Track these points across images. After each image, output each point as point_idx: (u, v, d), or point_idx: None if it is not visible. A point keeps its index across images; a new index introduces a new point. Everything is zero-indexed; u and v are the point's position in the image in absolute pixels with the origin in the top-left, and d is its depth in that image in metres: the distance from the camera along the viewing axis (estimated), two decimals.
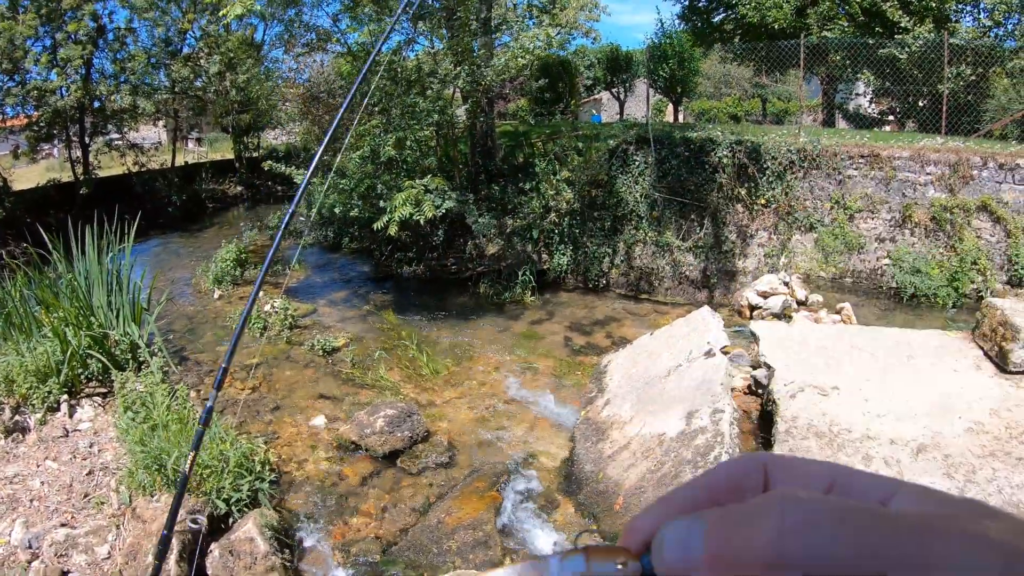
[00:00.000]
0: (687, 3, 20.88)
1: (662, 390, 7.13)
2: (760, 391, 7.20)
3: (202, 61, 21.64)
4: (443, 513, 6.05)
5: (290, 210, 4.05)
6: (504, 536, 5.78)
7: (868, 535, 0.33)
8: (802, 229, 11.75)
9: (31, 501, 5.78)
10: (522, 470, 6.72)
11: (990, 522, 0.34)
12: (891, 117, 19.33)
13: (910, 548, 0.32)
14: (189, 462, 3.62)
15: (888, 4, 15.73)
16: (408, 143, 11.74)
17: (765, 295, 10.58)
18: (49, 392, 7.15)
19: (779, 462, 0.42)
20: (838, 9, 16.97)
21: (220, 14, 12.14)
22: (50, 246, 8.94)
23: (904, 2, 15.79)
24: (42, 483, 6.03)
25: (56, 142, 20.95)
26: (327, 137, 4.07)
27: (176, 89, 21.62)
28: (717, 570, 0.36)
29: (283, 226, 4.02)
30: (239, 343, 3.79)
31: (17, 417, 6.99)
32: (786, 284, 10.74)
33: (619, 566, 0.40)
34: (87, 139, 20.85)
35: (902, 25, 15.53)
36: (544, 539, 5.75)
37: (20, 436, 6.77)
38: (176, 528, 5.02)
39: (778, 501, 0.36)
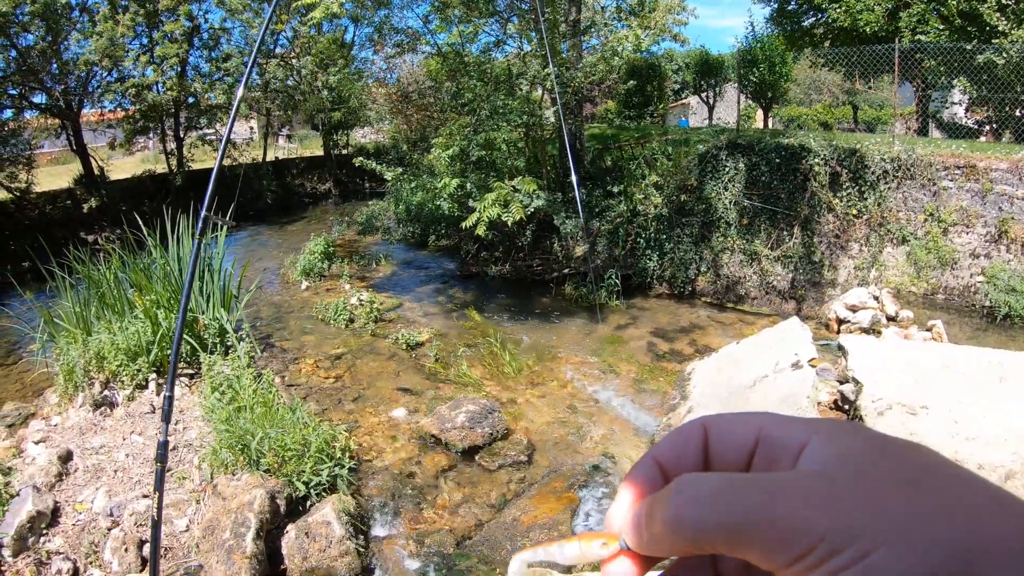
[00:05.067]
0: (777, 6, 20.43)
1: (746, 400, 6.94)
2: (846, 407, 6.92)
3: (294, 61, 22.16)
4: (519, 511, 5.99)
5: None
6: None
7: (735, 503, 0.40)
8: (894, 242, 11.32)
9: (115, 472, 5.94)
10: (601, 473, 6.62)
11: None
12: (987, 127, 18.51)
13: (762, 513, 0.39)
14: (156, 505, 3.47)
15: (985, 6, 15.01)
16: (497, 143, 11.74)
17: (854, 309, 10.23)
18: (138, 370, 7.36)
19: (715, 422, 0.50)
20: (931, 12, 16.31)
21: (306, 18, 12.40)
22: (144, 232, 9.20)
23: (1002, 5, 15.04)
24: (127, 455, 6.19)
25: (151, 135, 21.73)
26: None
27: (268, 87, 22.17)
28: (648, 543, 0.45)
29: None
30: (176, 368, 3.70)
31: (106, 392, 7.21)
32: (876, 298, 10.36)
33: (602, 545, 0.50)
34: (181, 133, 21.59)
35: (1000, 29, 14.80)
36: None
37: (108, 410, 6.98)
38: (255, 508, 5.10)
39: (674, 487, 0.43)
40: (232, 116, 4.90)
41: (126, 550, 4.95)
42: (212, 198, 3.97)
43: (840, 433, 0.43)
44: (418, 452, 7.03)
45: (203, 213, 3.96)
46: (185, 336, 7.88)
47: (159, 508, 3.37)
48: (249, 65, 4.54)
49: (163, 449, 3.44)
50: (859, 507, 0.37)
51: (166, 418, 3.55)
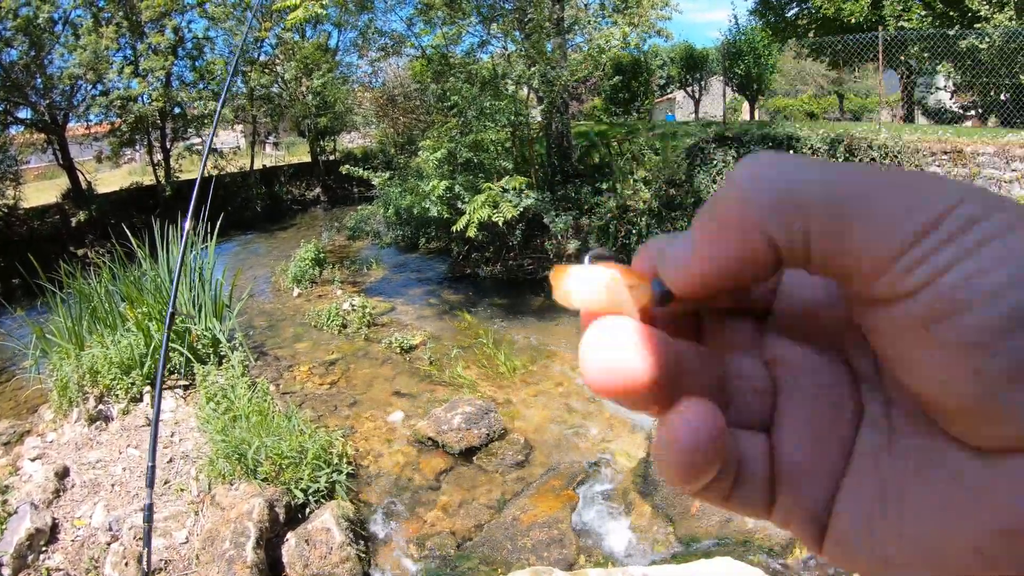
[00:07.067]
0: None
1: None
2: None
3: (278, 67, 22.13)
4: (519, 510, 6.00)
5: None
6: (580, 535, 5.69)
7: (834, 168, 0.31)
8: None
9: (112, 486, 5.93)
10: (599, 470, 6.62)
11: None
12: (972, 112, 18.57)
13: (881, 175, 0.30)
14: (147, 557, 3.43)
15: None
16: (484, 145, 11.73)
17: None
18: (132, 383, 7.33)
19: None
20: None
21: (288, 19, 12.39)
22: (134, 244, 9.19)
23: None
24: (123, 469, 6.18)
25: (138, 147, 21.67)
26: None
27: (253, 95, 22.13)
28: (708, 233, 0.34)
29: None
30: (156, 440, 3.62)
31: (101, 406, 7.19)
32: None
33: (630, 287, 0.37)
34: (168, 144, 21.54)
35: (981, 14, 14.83)
36: (620, 539, 5.64)
37: (103, 424, 6.97)
38: (254, 517, 5.10)
39: (749, 156, 0.34)
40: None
41: (126, 564, 4.94)
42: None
43: None
44: (416, 455, 7.03)
45: (163, 349, 3.92)
46: (178, 347, 7.87)
47: (148, 560, 3.34)
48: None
49: (148, 511, 3.43)
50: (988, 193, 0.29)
51: (150, 484, 3.52)
